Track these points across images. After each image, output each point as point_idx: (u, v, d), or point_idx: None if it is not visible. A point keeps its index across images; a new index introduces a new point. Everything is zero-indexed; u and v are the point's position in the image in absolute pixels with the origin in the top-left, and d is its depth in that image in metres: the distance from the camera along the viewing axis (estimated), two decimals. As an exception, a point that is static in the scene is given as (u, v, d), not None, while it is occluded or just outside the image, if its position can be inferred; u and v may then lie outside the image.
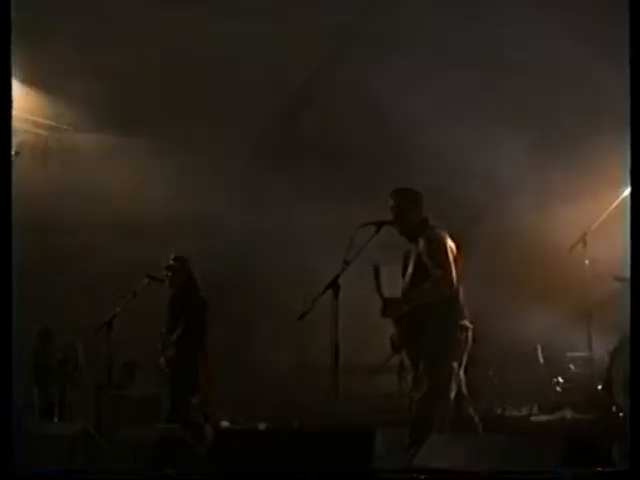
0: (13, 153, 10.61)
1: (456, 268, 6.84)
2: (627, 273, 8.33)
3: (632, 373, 4.10)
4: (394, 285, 7.07)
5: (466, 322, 6.87)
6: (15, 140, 10.48)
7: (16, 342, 4.40)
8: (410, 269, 6.95)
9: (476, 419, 6.87)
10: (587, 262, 8.43)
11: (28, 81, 10.50)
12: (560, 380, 9.82)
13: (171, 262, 9.32)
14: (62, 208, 11.14)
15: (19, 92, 10.31)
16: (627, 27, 4.14)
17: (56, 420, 10.76)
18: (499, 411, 9.76)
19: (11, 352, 4.34)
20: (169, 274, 9.29)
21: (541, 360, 10.22)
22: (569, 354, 10.11)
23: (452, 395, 6.69)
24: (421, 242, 6.88)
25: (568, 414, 8.80)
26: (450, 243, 6.92)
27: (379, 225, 7.11)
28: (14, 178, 4.65)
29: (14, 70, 9.12)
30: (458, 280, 6.84)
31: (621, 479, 3.80)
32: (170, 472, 6.15)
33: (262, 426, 9.88)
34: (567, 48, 9.33)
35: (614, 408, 8.16)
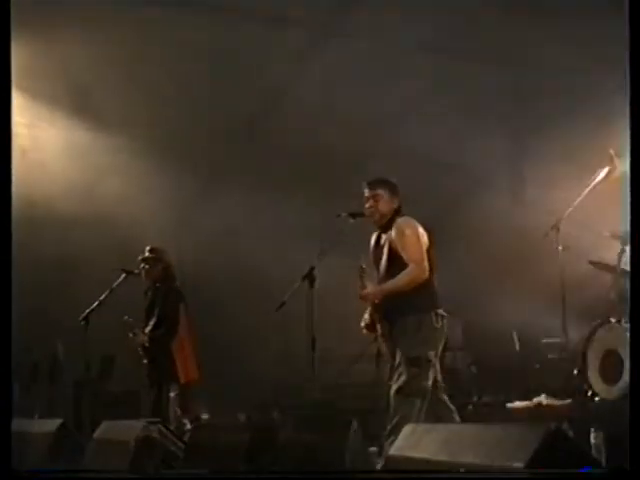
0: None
1: (429, 257, 6.92)
2: (600, 258, 8.51)
3: (632, 373, 4.15)
4: (370, 275, 7.13)
5: (441, 311, 6.93)
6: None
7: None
8: (384, 259, 7.00)
9: (452, 407, 6.95)
10: (560, 248, 8.48)
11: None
12: (536, 366, 9.89)
13: (147, 254, 9.30)
14: (36, 204, 11.08)
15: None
16: (627, 26, 4.16)
17: (37, 418, 10.75)
18: (475, 398, 9.82)
19: (10, 352, 4.36)
20: (146, 266, 9.27)
21: (517, 346, 10.29)
22: (545, 340, 10.18)
23: (429, 384, 6.75)
24: (393, 231, 6.94)
25: (544, 400, 8.86)
26: (422, 232, 6.98)
27: (354, 216, 7.21)
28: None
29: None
30: (432, 269, 6.92)
31: (621, 479, 3.83)
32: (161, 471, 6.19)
33: (242, 418, 9.91)
34: (533, 36, 9.37)
35: (589, 392, 8.23)
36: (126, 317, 9.14)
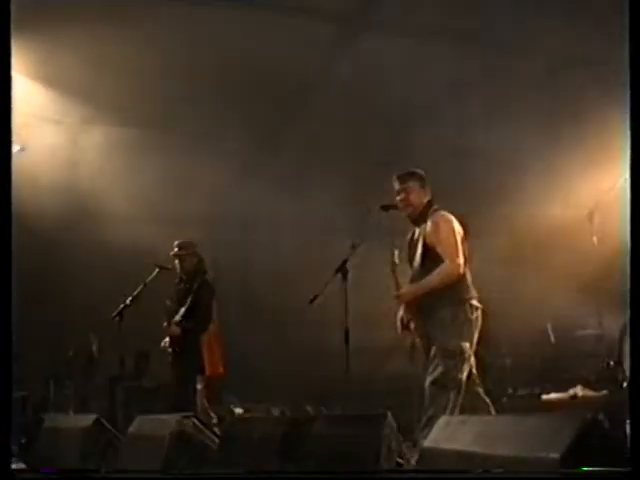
0: (18, 148, 10.60)
1: (463, 250, 6.87)
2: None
3: (632, 373, 4.10)
4: (403, 269, 7.09)
5: (476, 302, 6.87)
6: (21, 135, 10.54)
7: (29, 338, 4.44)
8: (418, 253, 6.95)
9: (488, 400, 6.90)
10: (595, 239, 8.41)
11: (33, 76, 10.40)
12: (571, 357, 9.82)
13: (177, 249, 9.36)
14: (68, 199, 11.15)
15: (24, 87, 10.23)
16: (627, 25, 4.11)
17: (71, 413, 10.83)
18: (510, 391, 9.76)
19: (11, 351, 4.36)
20: (179, 261, 9.34)
21: (552, 338, 10.22)
22: (580, 332, 10.10)
23: (464, 376, 6.71)
24: (427, 225, 6.90)
25: (579, 391, 8.80)
26: (457, 225, 6.94)
27: (386, 208, 7.17)
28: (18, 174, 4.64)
29: (19, 65, 9.09)
30: (466, 262, 6.87)
31: (621, 479, 3.78)
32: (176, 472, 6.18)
33: (276, 412, 9.91)
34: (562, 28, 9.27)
35: (625, 383, 8.16)
36: (168, 302, 9.21)
